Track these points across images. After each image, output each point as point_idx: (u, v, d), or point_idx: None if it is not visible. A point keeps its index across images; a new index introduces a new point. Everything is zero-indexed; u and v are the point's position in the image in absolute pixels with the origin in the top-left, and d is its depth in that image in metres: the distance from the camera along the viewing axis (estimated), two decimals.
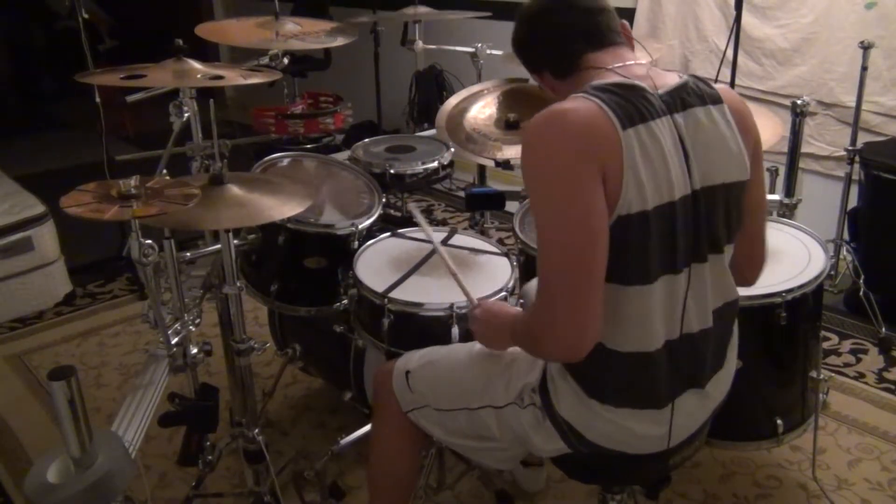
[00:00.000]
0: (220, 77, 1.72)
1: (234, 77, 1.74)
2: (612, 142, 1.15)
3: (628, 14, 3.69)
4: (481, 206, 2.45)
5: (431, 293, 1.74)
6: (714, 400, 1.38)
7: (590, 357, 1.20)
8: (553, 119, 1.18)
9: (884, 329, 2.72)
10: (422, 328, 1.71)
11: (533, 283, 1.78)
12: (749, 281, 1.45)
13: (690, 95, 1.25)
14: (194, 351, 1.68)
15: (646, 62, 1.29)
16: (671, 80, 1.26)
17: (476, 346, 1.51)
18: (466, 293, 1.60)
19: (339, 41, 2.30)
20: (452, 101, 2.51)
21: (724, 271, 1.33)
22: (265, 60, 2.26)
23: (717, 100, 1.27)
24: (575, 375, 1.29)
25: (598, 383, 1.28)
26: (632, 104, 1.18)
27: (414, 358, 1.55)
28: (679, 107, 1.23)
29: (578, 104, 1.18)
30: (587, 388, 1.28)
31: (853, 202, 2.90)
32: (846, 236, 2.93)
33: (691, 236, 1.24)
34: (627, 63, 1.26)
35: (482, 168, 2.82)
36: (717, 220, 1.27)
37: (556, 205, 1.16)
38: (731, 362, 1.41)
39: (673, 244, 1.22)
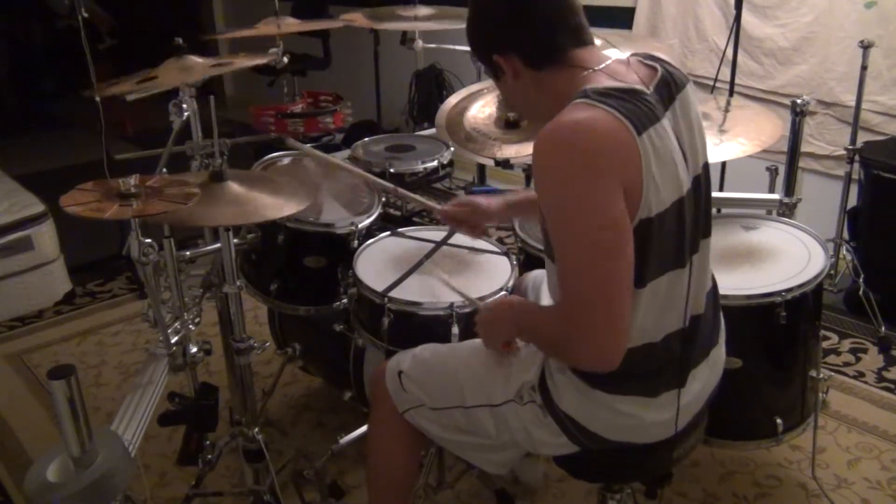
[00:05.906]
0: (227, 63, 1.73)
1: (240, 62, 1.75)
2: (631, 150, 1.12)
3: (628, 14, 3.68)
4: None
5: (431, 292, 1.74)
6: (714, 377, 1.39)
7: None
8: (564, 136, 1.12)
9: (883, 328, 2.72)
10: (422, 327, 1.71)
11: (531, 274, 1.78)
12: None
13: (669, 85, 1.24)
14: (194, 350, 1.68)
15: (623, 59, 1.26)
16: (649, 73, 1.25)
17: (470, 343, 1.51)
18: (465, 296, 1.61)
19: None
20: (452, 101, 2.51)
21: (708, 255, 1.34)
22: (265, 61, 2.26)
23: (685, 80, 1.28)
24: (575, 370, 1.29)
25: (601, 375, 1.27)
26: (639, 108, 1.15)
27: (406, 357, 1.54)
28: (667, 100, 1.22)
29: (590, 114, 1.12)
30: (589, 379, 1.28)
31: (853, 201, 2.90)
32: (846, 235, 2.93)
33: (693, 226, 1.25)
34: (608, 63, 1.23)
35: (482, 167, 2.82)
36: (708, 203, 1.29)
37: (580, 223, 1.13)
38: (722, 341, 1.42)
39: (682, 238, 1.23)
